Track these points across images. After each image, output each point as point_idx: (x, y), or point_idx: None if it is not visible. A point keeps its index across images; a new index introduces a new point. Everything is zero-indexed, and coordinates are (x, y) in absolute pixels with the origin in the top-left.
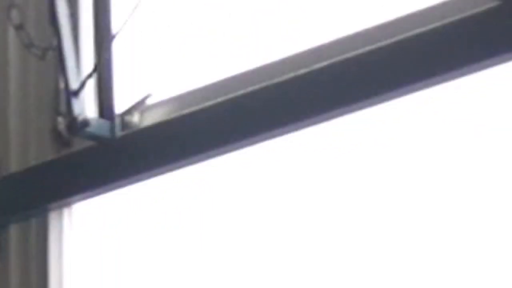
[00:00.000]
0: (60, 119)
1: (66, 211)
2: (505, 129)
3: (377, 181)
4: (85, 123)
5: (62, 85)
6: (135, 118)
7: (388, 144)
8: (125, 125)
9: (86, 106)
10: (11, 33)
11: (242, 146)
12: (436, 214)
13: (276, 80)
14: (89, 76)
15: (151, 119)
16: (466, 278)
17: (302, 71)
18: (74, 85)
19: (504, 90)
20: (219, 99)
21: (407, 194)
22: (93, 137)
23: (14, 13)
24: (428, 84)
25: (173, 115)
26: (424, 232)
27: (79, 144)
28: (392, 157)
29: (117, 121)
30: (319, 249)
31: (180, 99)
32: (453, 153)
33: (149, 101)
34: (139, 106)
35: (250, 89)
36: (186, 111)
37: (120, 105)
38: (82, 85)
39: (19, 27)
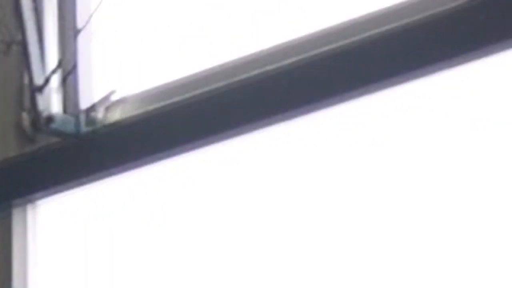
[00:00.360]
0: (25, 115)
1: (29, 208)
2: (496, 123)
3: (370, 174)
4: (50, 119)
5: (26, 80)
6: (101, 114)
7: (379, 138)
8: (90, 121)
9: (51, 102)
10: None
11: (210, 142)
12: (431, 209)
13: (243, 75)
14: (54, 71)
15: (116, 115)
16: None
17: (271, 67)
18: (38, 80)
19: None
20: (186, 95)
21: (400, 188)
22: (57, 133)
23: None
24: (413, 76)
25: (138, 111)
26: (418, 228)
27: (43, 140)
28: (384, 152)
29: (82, 117)
30: (311, 241)
31: (146, 95)
32: (448, 147)
33: (114, 97)
34: (104, 102)
35: (216, 84)
36: (152, 107)
37: (85, 101)
38: (47, 80)
39: None
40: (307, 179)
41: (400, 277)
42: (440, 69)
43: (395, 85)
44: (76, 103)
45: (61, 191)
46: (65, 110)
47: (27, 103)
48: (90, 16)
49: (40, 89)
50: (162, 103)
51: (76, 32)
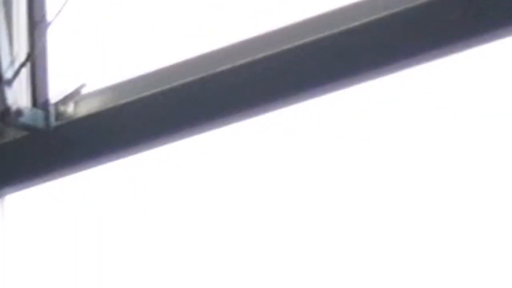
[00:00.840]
0: None
1: None
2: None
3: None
4: (19, 112)
5: None
6: (70, 108)
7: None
8: (59, 115)
9: (20, 95)
10: None
11: (178, 137)
12: (419, 200)
13: (212, 71)
14: (23, 65)
15: (86, 109)
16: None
17: (239, 62)
18: (7, 74)
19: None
20: (156, 89)
21: (379, 180)
22: (26, 127)
23: None
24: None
25: (108, 105)
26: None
27: (12, 134)
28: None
29: (51, 111)
30: (303, 228)
31: (116, 89)
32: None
33: (84, 91)
34: (73, 96)
35: (187, 78)
36: (121, 101)
37: (54, 95)
38: (16, 74)
39: None
40: (288, 170)
41: (387, 266)
42: (419, 62)
43: (374, 78)
44: (45, 97)
45: (30, 185)
46: (34, 104)
47: None
48: (61, 9)
49: (9, 82)
50: (132, 97)
51: (46, 24)
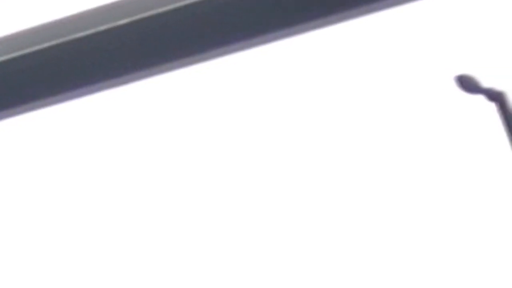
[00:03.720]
0: None
1: None
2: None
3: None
4: None
5: None
6: None
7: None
8: None
9: None
10: None
11: (48, 103)
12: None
13: (79, 34)
14: None
15: None
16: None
17: (100, 27)
18: None
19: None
20: (20, 52)
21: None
22: None
23: None
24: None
25: None
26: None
27: None
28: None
29: None
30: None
31: None
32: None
33: None
34: None
35: (51, 42)
36: None
37: None
38: None
39: None
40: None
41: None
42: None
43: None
44: None
45: None
46: None
47: None
48: None
49: None
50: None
51: None
